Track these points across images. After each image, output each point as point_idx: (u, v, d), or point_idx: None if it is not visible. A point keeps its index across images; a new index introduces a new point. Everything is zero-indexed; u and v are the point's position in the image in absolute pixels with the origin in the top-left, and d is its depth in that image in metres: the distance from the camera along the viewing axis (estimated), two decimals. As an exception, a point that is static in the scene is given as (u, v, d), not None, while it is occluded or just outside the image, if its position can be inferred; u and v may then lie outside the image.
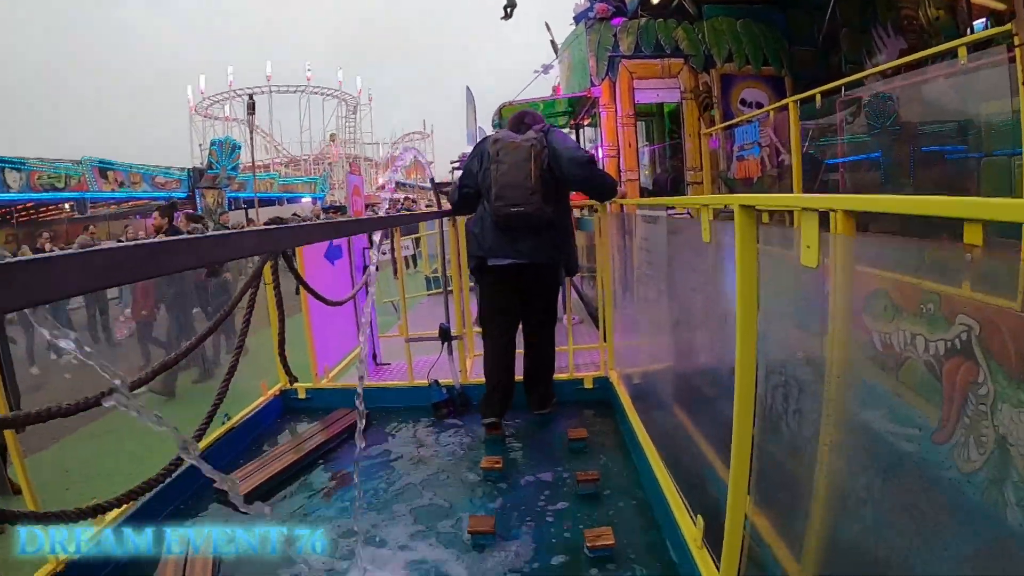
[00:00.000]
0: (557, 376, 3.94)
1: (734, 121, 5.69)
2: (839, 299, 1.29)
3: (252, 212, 22.20)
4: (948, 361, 1.02)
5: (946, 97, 3.87)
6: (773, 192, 5.46)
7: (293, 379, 4.04)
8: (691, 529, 2.10)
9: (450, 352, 3.92)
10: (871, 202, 1.13)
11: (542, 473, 3.05)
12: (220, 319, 1.56)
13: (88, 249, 0.66)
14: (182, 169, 24.20)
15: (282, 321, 2.05)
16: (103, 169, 19.89)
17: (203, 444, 3.34)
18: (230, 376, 1.80)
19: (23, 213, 21.24)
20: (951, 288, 1.03)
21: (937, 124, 3.92)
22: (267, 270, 2.90)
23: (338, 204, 36.03)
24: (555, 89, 10.51)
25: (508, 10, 9.87)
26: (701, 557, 1.94)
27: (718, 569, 1.73)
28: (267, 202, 29.35)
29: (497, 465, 3.06)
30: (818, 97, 4.30)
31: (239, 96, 59.18)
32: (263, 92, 60.48)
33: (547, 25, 10.88)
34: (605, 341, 4.02)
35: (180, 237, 0.82)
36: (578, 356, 4.47)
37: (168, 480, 2.71)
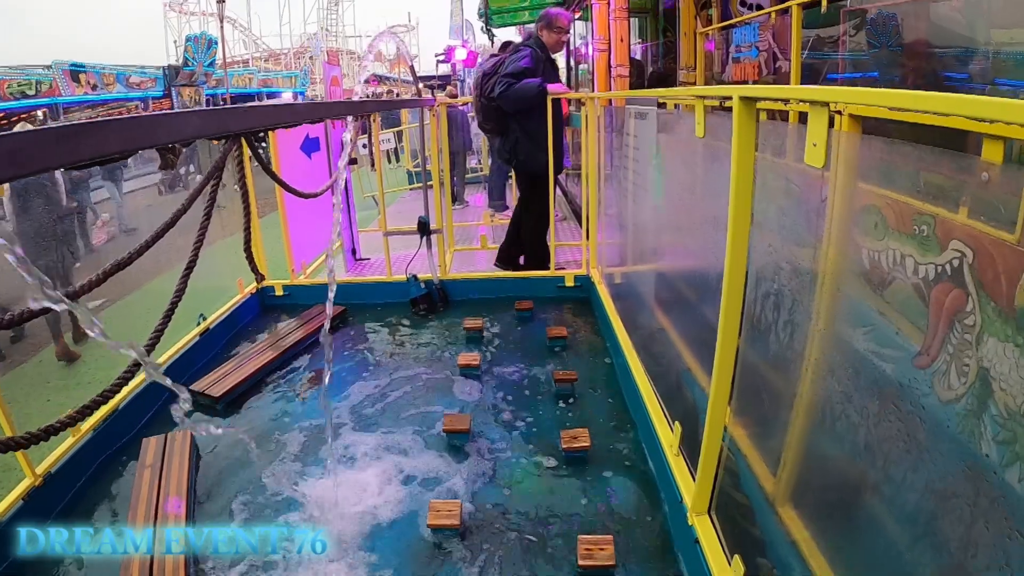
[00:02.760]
0: (538, 273, 4.00)
1: (732, 21, 5.35)
2: (839, 207, 1.21)
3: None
4: (937, 286, 0.99)
5: (953, 21, 3.67)
6: (768, 97, 5.26)
7: (260, 277, 3.96)
8: (668, 435, 2.09)
9: (429, 246, 3.83)
10: (887, 97, 1.01)
11: (520, 371, 3.04)
12: (179, 213, 1.44)
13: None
14: (157, 68, 23.02)
15: (248, 216, 1.92)
16: (74, 72, 18.85)
17: (179, 346, 3.29)
18: (188, 273, 1.69)
19: (-8, 123, 20.28)
20: (947, 212, 0.97)
21: (940, 49, 3.72)
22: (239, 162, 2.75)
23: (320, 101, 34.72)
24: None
25: None
26: (677, 464, 1.94)
27: (693, 478, 1.72)
28: (246, 98, 28.20)
29: (474, 362, 3.04)
30: (824, 2, 4.03)
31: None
32: (242, -18, 56.82)
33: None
34: (588, 239, 3.94)
35: (110, 118, 0.70)
36: (561, 254, 4.41)
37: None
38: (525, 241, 4.32)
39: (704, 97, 1.63)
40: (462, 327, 3.48)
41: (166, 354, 3.18)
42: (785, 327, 1.47)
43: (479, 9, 7.04)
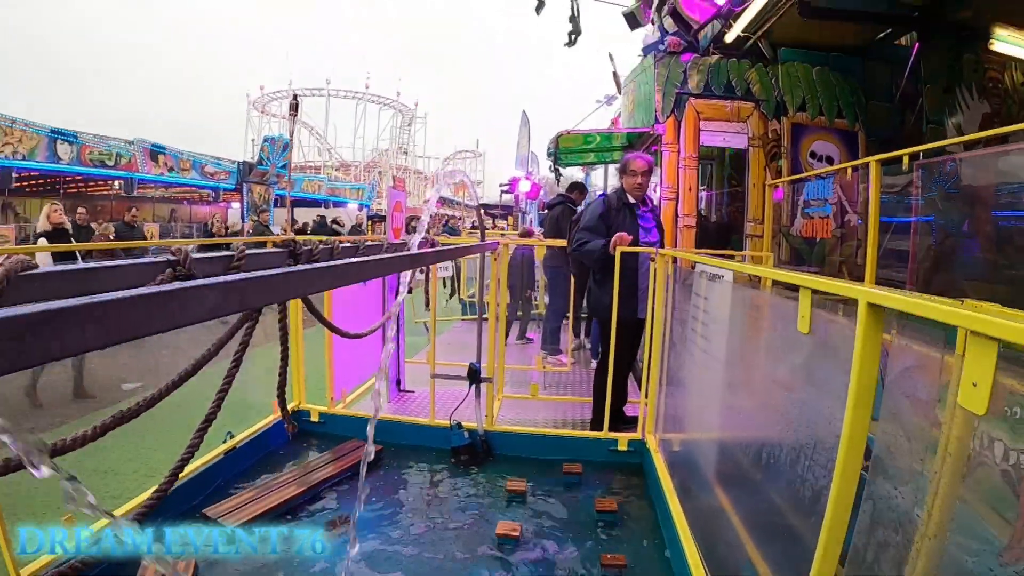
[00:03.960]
0: (589, 434, 3.76)
1: (806, 175, 5.31)
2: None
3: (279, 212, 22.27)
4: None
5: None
6: (835, 255, 5.08)
7: (288, 421, 3.76)
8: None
9: (477, 395, 3.62)
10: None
11: (563, 549, 2.71)
12: (203, 360, 1.28)
13: None
14: (233, 161, 24.45)
15: (285, 359, 1.76)
16: (154, 152, 20.09)
17: (200, 462, 3.13)
18: (221, 397, 1.54)
19: (71, 185, 21.59)
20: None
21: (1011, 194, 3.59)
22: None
23: (383, 213, 36.04)
24: (614, 122, 10.22)
25: (572, 37, 9.69)
26: None
27: None
28: (312, 203, 29.55)
29: (514, 532, 2.74)
30: (906, 159, 3.93)
31: (297, 96, 60.23)
32: (322, 94, 61.67)
33: (610, 56, 10.64)
34: (646, 398, 3.67)
35: (80, 303, 0.52)
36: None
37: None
38: (595, 392, 4.11)
39: (822, 293, 1.42)
40: (504, 487, 3.20)
41: (186, 469, 2.97)
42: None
43: (548, 149, 7.20)
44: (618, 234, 3.70)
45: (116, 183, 20.48)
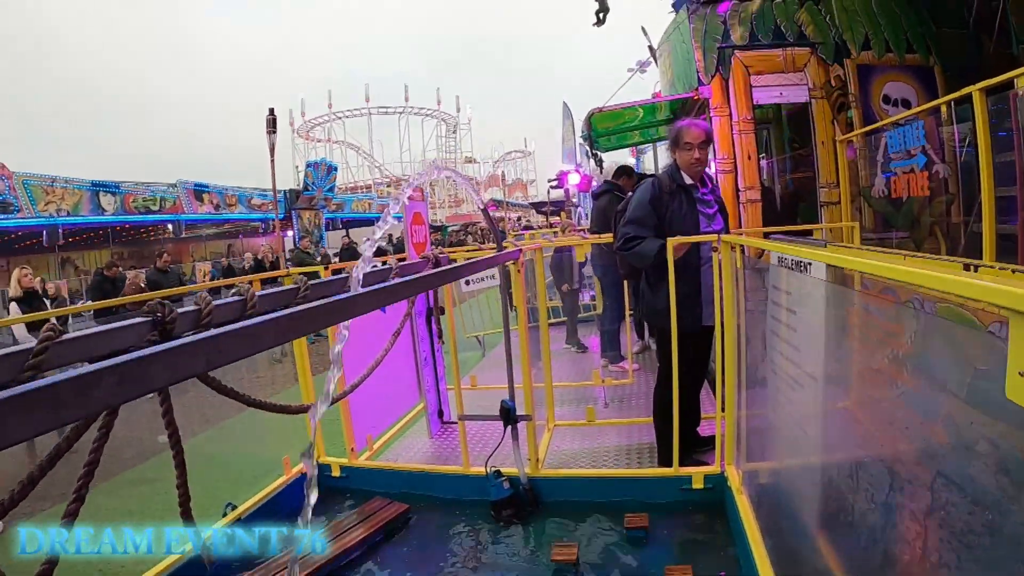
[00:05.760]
0: (655, 471, 3.09)
1: (884, 122, 4.48)
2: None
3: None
4: None
5: None
6: (925, 215, 4.24)
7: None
8: None
9: (515, 438, 2.99)
10: None
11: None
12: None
13: None
14: (280, 191, 24.63)
15: (180, 464, 1.19)
16: (198, 192, 20.35)
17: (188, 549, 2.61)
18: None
19: (121, 235, 22.11)
20: None
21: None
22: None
23: (437, 224, 35.59)
24: (655, 96, 9.39)
25: (600, 15, 9.11)
26: None
27: None
28: (365, 222, 29.60)
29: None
30: (1018, 83, 3.12)
31: (339, 118, 61.15)
32: (363, 114, 62.35)
33: (643, 29, 9.86)
34: (723, 411, 2.94)
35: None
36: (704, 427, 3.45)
37: None
38: (654, 413, 3.35)
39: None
40: (549, 554, 2.55)
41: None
42: None
43: (582, 132, 6.42)
44: (674, 242, 2.94)
45: (169, 226, 20.81)
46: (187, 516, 1.27)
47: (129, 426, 5.66)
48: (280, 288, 1.45)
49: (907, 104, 4.95)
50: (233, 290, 1.24)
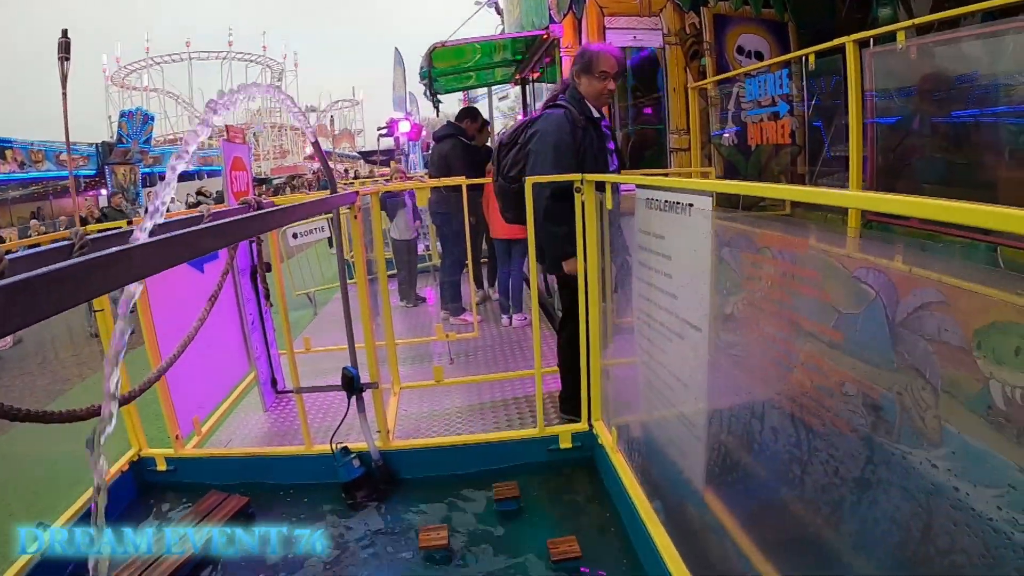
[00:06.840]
0: (517, 434, 2.84)
1: (746, 68, 4.46)
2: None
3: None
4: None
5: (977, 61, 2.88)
6: (772, 163, 4.32)
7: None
8: None
9: (361, 409, 2.64)
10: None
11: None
12: None
13: None
14: (91, 144, 21.85)
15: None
16: (0, 148, 17.69)
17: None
18: None
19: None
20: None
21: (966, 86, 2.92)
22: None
23: (262, 176, 33.21)
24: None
25: None
26: None
27: None
28: (187, 176, 27.06)
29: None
30: (850, 47, 3.16)
31: (156, 64, 55.68)
32: (183, 59, 57.21)
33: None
34: (588, 377, 2.75)
35: None
36: (549, 382, 3.24)
37: None
38: (560, 370, 3.11)
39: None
40: (415, 540, 2.26)
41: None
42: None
43: (421, 69, 5.86)
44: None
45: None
46: None
47: None
48: (44, 248, 1.02)
49: (760, 56, 5.00)
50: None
